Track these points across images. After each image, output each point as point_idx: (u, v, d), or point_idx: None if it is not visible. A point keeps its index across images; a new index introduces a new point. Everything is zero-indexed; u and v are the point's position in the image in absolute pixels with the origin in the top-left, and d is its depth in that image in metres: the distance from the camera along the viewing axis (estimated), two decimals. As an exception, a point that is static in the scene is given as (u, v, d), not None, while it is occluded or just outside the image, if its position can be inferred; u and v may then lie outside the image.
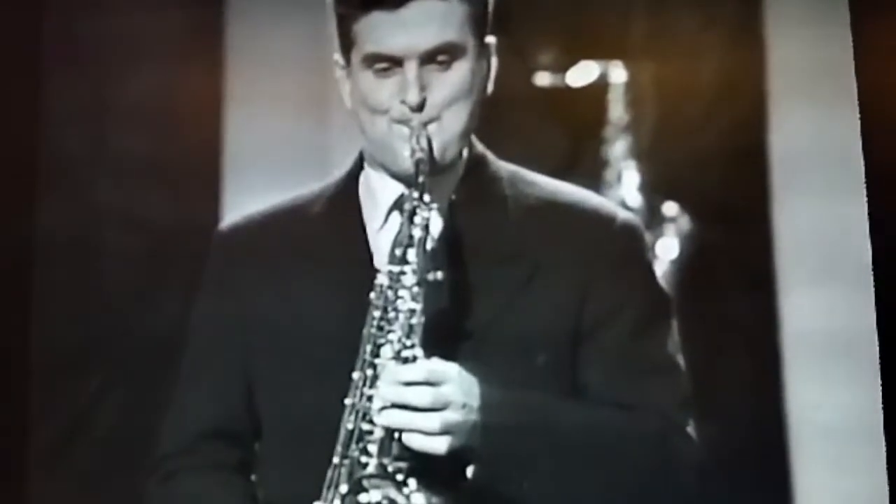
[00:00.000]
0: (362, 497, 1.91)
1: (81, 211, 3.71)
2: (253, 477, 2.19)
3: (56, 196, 3.66)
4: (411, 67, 2.06)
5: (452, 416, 1.92)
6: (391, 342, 1.96)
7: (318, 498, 1.95)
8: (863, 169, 3.15)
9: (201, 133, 3.68)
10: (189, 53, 3.68)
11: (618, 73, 3.76)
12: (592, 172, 3.69)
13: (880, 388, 3.05)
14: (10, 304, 3.49)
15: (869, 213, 3.14)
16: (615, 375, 2.09)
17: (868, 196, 3.15)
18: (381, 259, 2.06)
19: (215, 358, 2.19)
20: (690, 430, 2.08)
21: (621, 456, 2.03)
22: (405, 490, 1.89)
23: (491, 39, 2.14)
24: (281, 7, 3.60)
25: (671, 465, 2.06)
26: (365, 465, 1.93)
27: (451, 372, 1.95)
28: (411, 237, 1.98)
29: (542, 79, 3.76)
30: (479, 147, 2.19)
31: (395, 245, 2.00)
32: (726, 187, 3.65)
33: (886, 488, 3.02)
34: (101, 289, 3.68)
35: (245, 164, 3.65)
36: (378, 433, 1.92)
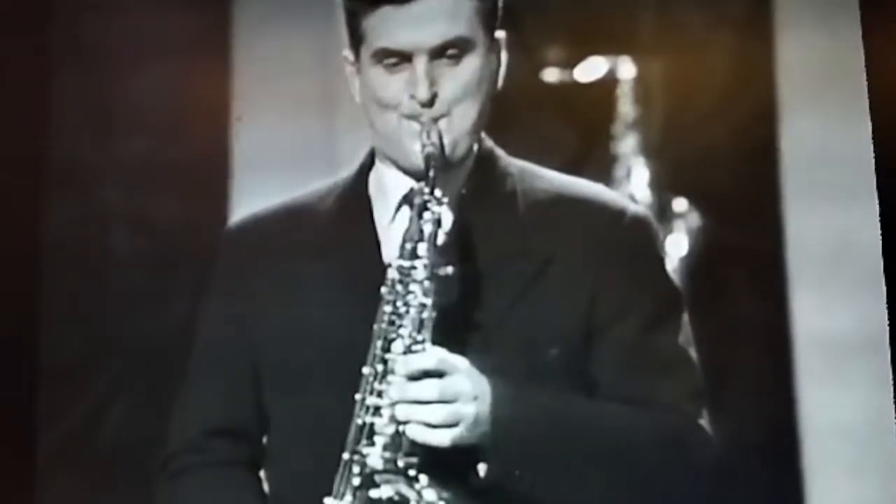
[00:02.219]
0: (373, 492, 1.91)
1: (89, 212, 3.70)
2: (261, 473, 2.18)
3: (63, 198, 3.66)
4: (421, 62, 2.05)
5: (464, 408, 1.91)
6: (402, 337, 1.95)
7: (326, 492, 1.95)
8: (874, 166, 3.14)
9: (209, 134, 3.67)
10: (197, 55, 3.67)
11: (626, 69, 3.76)
12: (601, 168, 3.68)
13: (892, 386, 3.04)
14: (17, 306, 3.49)
15: (880, 211, 3.13)
16: (627, 370, 2.08)
17: (879, 194, 3.14)
18: (390, 253, 2.05)
19: (224, 355, 2.19)
20: (704, 422, 2.08)
21: (635, 450, 2.02)
22: (416, 485, 1.89)
23: (501, 34, 2.13)
24: (288, 7, 3.60)
25: (685, 457, 2.05)
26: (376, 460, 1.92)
27: (460, 364, 1.94)
28: (422, 232, 1.98)
29: (551, 74, 3.75)
30: (489, 142, 2.18)
31: (405, 240, 1.99)
32: (736, 183, 3.64)
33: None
34: (109, 290, 3.68)
35: (253, 165, 3.64)
36: (389, 428, 1.91)
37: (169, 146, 3.69)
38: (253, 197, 3.37)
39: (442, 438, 1.90)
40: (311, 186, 2.25)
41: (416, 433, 1.90)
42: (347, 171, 2.24)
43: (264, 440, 2.19)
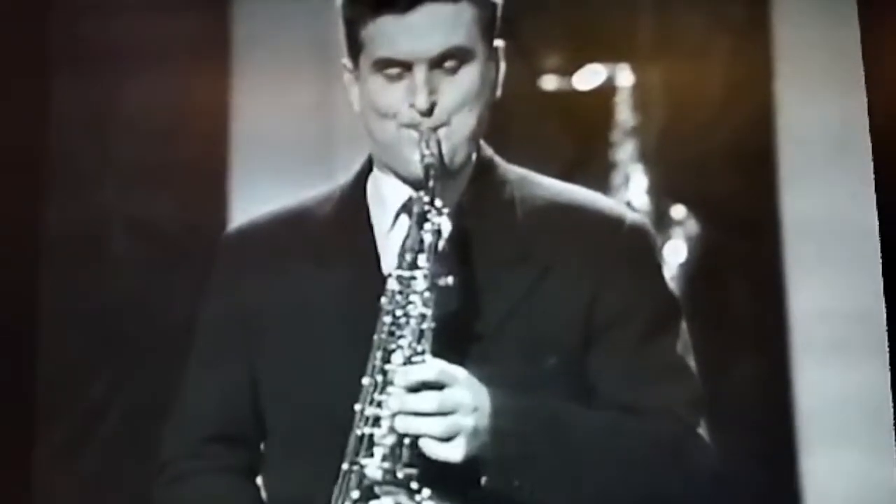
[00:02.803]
0: (373, 504, 1.91)
1: (88, 214, 3.71)
2: (259, 479, 2.18)
3: (63, 199, 3.67)
4: (420, 72, 2.05)
5: (463, 420, 1.91)
6: (402, 348, 1.94)
7: (324, 500, 1.94)
8: (872, 169, 3.15)
9: (208, 137, 3.68)
10: (196, 57, 3.68)
11: (625, 77, 3.76)
12: (600, 176, 3.69)
13: (890, 384, 3.04)
14: (17, 306, 3.50)
15: (878, 213, 3.14)
16: (626, 378, 2.08)
17: (877, 196, 3.14)
18: (388, 262, 2.05)
19: (221, 361, 2.18)
20: (702, 431, 2.08)
21: (634, 459, 2.02)
22: (417, 497, 1.88)
23: (499, 43, 2.13)
24: (287, 11, 3.60)
25: (684, 466, 2.05)
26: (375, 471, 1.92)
27: (459, 375, 1.94)
28: (422, 242, 1.97)
29: (549, 82, 3.76)
30: (488, 151, 2.18)
31: (404, 250, 1.99)
32: (734, 190, 3.65)
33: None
34: (109, 290, 3.68)
35: (252, 168, 3.65)
36: (388, 439, 1.91)
37: (168, 147, 3.69)
38: (251, 198, 3.38)
39: (453, 453, 1.90)
40: (309, 190, 2.25)
41: (429, 448, 1.88)
42: (345, 176, 2.24)
43: (261, 447, 2.19)
